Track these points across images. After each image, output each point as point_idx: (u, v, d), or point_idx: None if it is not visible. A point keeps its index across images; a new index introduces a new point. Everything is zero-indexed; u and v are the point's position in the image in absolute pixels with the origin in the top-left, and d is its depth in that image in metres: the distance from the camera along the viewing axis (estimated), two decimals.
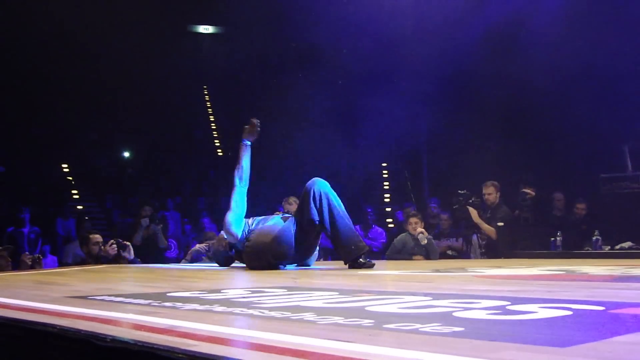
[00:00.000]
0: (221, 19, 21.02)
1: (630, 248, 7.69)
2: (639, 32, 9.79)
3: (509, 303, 2.08)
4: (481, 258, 8.36)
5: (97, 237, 7.56)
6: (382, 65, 14.52)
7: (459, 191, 8.74)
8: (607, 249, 7.86)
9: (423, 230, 8.26)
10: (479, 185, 8.79)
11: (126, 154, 19.53)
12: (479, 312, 1.85)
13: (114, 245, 7.32)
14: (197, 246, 8.21)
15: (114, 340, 1.48)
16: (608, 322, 1.73)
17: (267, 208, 7.05)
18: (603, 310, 1.93)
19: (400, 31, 13.47)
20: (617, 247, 7.83)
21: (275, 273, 4.52)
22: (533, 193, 8.72)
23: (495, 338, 1.42)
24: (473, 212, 8.50)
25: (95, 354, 1.50)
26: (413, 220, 8.36)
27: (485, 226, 8.45)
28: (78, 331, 1.62)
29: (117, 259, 7.25)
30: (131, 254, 7.45)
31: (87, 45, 16.37)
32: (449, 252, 8.93)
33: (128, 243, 7.54)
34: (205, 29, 22.28)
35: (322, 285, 3.40)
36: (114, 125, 17.55)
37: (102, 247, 7.38)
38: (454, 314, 1.82)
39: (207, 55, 21.73)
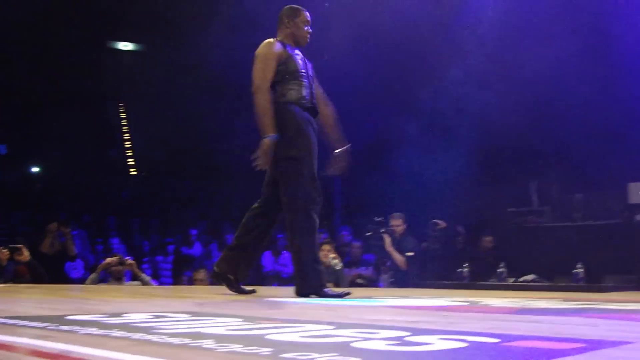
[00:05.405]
0: (139, 36, 20.70)
1: (533, 280, 7.96)
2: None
3: (409, 334, 2.11)
4: (390, 287, 8.47)
5: None
6: None
7: (375, 218, 8.87)
8: (511, 281, 8.09)
9: (336, 255, 8.34)
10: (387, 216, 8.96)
11: (35, 169, 18.93)
12: (377, 343, 1.87)
13: (5, 251, 7.05)
14: (108, 260, 7.82)
15: None
16: (500, 355, 1.78)
17: None
18: (498, 342, 1.98)
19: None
20: (521, 279, 8.09)
21: (181, 297, 4.44)
22: (444, 224, 8.94)
23: None
24: (387, 240, 8.64)
25: None
26: (325, 247, 8.41)
27: (396, 255, 8.58)
28: None
29: (16, 267, 6.98)
30: (27, 257, 7.15)
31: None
32: (359, 280, 9.00)
33: (21, 245, 7.25)
34: (124, 45, 21.89)
35: (228, 311, 3.37)
36: (23, 138, 17.01)
37: None
38: (352, 344, 1.84)
39: (125, 72, 21.35)
